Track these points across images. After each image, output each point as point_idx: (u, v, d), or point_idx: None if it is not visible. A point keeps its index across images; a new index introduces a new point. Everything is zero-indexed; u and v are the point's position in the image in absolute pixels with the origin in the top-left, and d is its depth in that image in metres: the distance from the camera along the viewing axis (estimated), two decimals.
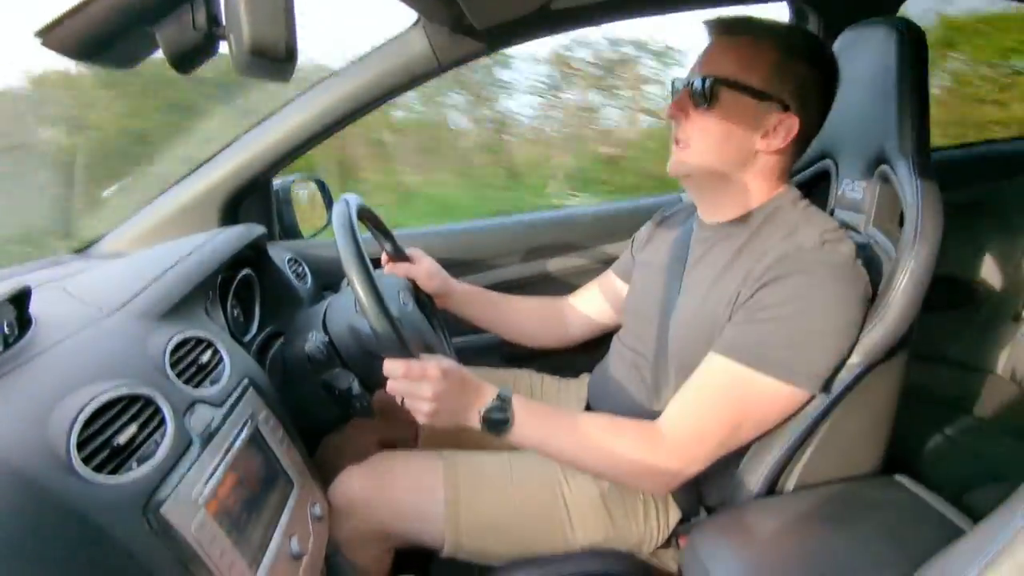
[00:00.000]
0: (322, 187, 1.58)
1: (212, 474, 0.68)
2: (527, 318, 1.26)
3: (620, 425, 0.88)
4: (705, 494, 0.97)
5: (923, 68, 0.88)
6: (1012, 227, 1.49)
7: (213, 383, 0.79)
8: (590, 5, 1.16)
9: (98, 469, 0.58)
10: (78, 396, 0.61)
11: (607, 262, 1.49)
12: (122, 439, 0.61)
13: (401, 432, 1.17)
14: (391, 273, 1.13)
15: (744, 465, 0.93)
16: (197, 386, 0.76)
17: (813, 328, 0.80)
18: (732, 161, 0.90)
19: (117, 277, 0.93)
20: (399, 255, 1.14)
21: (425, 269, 1.15)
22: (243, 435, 0.77)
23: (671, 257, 1.03)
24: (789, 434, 0.88)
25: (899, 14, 1.36)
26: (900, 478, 0.93)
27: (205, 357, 0.81)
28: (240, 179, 1.31)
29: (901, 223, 0.87)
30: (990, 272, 1.52)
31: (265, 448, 0.82)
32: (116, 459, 0.60)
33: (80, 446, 0.58)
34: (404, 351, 0.82)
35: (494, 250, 1.51)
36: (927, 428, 1.27)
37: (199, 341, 0.83)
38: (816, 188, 1.13)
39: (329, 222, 1.25)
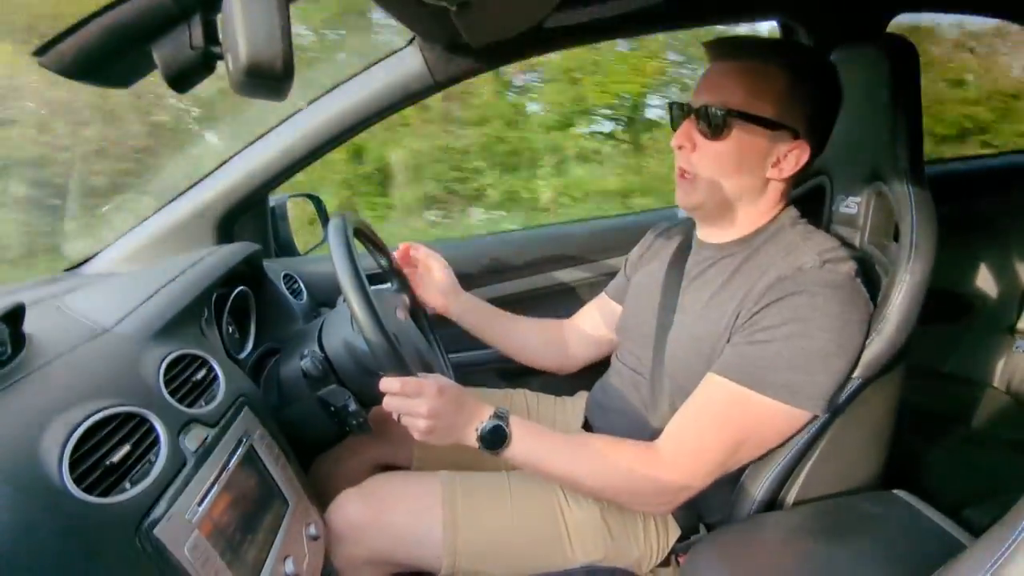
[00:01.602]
0: (318, 204, 1.59)
1: (206, 494, 0.67)
2: (529, 336, 1.25)
3: (618, 445, 0.87)
4: (704, 511, 0.97)
5: (915, 84, 0.89)
6: (1005, 241, 1.50)
7: (208, 401, 0.78)
8: (582, 24, 1.17)
9: (91, 488, 0.57)
10: (71, 415, 0.60)
11: (603, 276, 1.50)
12: (115, 458, 0.61)
13: (396, 452, 1.15)
14: (395, 279, 1.12)
15: (743, 481, 0.93)
16: (191, 404, 0.75)
17: (814, 349, 0.79)
18: (743, 191, 0.90)
19: (111, 295, 0.93)
20: (395, 272, 1.14)
21: (439, 263, 1.15)
22: (238, 454, 0.76)
23: (667, 275, 1.03)
24: (788, 450, 0.88)
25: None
26: (899, 492, 0.92)
27: (200, 375, 0.81)
28: (235, 196, 1.31)
29: (896, 238, 0.88)
30: (984, 285, 1.53)
31: (260, 467, 0.81)
32: (109, 479, 0.60)
33: (73, 465, 0.57)
34: (400, 367, 0.82)
35: (490, 265, 1.51)
36: (924, 442, 1.26)
37: (194, 359, 0.83)
38: (811, 204, 1.13)
39: (325, 238, 1.25)
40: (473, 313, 1.20)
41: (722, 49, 0.88)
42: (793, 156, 0.87)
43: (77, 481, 0.56)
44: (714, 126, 0.85)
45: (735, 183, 0.89)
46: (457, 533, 0.91)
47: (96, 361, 0.72)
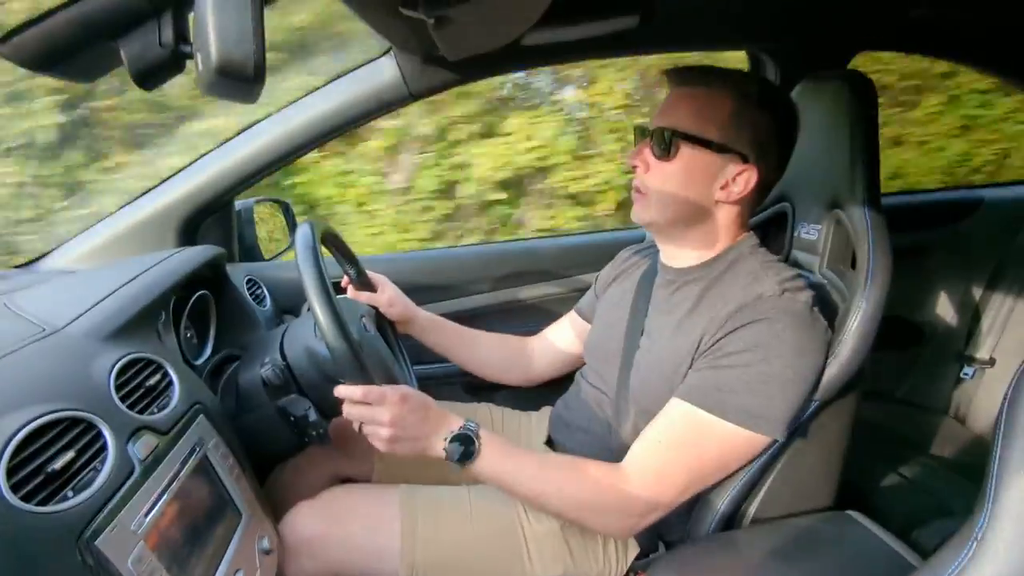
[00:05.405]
0: (286, 209, 1.57)
1: (154, 504, 0.65)
2: (490, 353, 1.25)
3: (585, 467, 0.87)
4: (664, 529, 0.97)
5: (873, 118, 0.93)
6: (955, 271, 1.56)
7: (161, 408, 0.76)
8: (558, 44, 1.19)
9: (29, 497, 0.54)
10: (12, 419, 0.58)
11: (571, 293, 1.51)
12: (58, 465, 0.58)
13: (356, 466, 1.13)
14: (354, 298, 1.11)
15: (703, 500, 0.94)
16: (143, 411, 0.73)
17: (773, 374, 0.81)
18: (692, 211, 0.92)
19: (64, 294, 0.90)
20: (362, 280, 1.13)
21: (387, 296, 1.14)
22: (190, 463, 0.74)
23: (634, 298, 1.04)
24: (746, 470, 0.89)
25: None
26: (852, 513, 0.94)
27: (153, 380, 0.78)
28: (201, 198, 1.28)
29: (853, 264, 0.91)
30: (934, 314, 1.59)
31: (213, 477, 0.78)
32: (50, 486, 0.57)
33: (11, 472, 0.54)
34: (363, 376, 0.80)
35: (460, 278, 1.51)
36: (877, 465, 1.30)
37: (148, 363, 0.80)
38: (773, 228, 1.16)
39: (291, 244, 1.23)
40: (431, 333, 1.21)
41: (676, 76, 0.93)
42: (742, 180, 0.89)
43: (14, 488, 0.54)
44: (663, 148, 0.89)
45: (684, 203, 0.91)
46: (415, 547, 0.90)
47: (42, 363, 0.69)
